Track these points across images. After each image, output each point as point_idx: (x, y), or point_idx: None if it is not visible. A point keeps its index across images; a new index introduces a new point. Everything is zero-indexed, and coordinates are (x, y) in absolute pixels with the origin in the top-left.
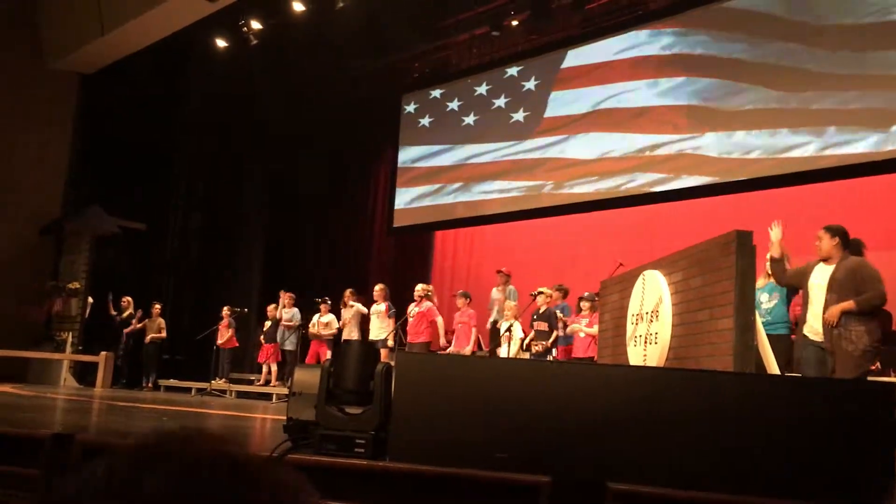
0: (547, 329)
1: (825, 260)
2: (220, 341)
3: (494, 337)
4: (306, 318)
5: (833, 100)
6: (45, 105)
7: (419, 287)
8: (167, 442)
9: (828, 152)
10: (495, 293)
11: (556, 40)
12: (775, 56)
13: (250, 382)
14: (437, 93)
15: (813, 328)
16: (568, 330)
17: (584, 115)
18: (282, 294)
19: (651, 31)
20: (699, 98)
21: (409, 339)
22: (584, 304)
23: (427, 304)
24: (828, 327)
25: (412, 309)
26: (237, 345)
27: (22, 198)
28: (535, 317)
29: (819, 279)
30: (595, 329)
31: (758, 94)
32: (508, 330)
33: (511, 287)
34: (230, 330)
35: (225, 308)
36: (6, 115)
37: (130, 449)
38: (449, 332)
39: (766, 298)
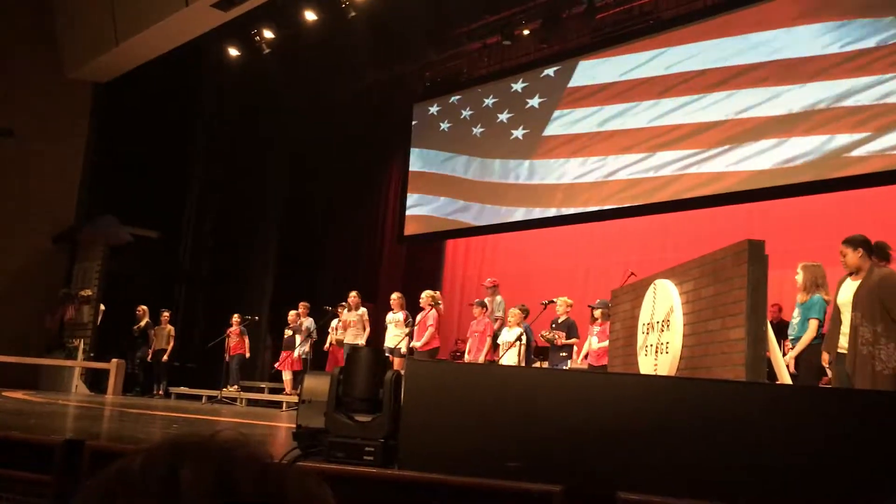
0: (565, 339)
1: (853, 274)
2: (231, 349)
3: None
4: (320, 327)
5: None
6: (60, 114)
7: (424, 294)
8: (204, 441)
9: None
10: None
11: (567, 49)
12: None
13: (261, 390)
14: (451, 100)
15: (843, 346)
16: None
17: (593, 133)
18: (300, 304)
19: (656, 49)
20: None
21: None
22: (597, 313)
23: (431, 311)
24: (854, 347)
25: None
26: (247, 353)
27: (36, 206)
28: (553, 326)
29: (846, 295)
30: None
31: (765, 97)
32: (519, 339)
33: (498, 297)
34: (242, 337)
35: (235, 315)
36: (22, 124)
37: (168, 445)
38: (462, 341)
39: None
